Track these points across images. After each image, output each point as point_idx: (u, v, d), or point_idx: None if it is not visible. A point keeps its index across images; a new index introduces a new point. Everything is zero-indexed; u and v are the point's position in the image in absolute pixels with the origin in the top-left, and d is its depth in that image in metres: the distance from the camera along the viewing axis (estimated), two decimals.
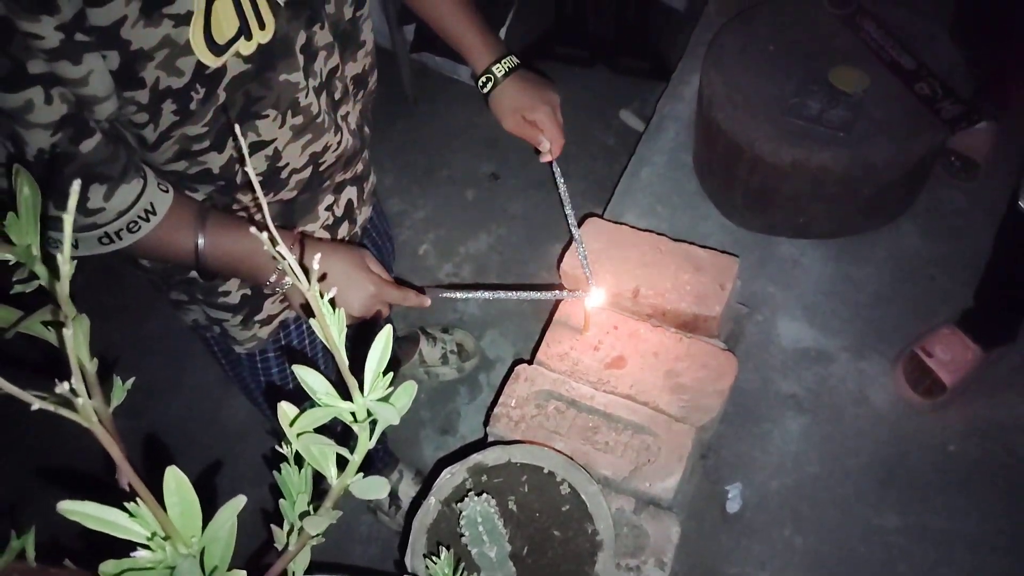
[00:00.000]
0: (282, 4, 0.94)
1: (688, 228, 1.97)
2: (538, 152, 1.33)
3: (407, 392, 0.60)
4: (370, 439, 0.62)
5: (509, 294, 1.25)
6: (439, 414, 2.22)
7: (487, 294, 1.23)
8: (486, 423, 1.34)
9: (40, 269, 0.55)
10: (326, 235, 1.26)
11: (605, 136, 2.76)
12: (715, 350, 1.41)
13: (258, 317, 1.27)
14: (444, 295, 1.20)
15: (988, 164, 1.98)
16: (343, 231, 1.30)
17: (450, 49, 1.34)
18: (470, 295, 1.21)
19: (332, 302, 0.73)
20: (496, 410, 1.35)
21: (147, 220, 0.95)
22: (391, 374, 0.60)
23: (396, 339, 2.16)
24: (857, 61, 1.85)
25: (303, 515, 0.67)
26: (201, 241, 0.99)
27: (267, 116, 1.00)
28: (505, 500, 1.00)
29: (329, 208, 1.24)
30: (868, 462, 1.63)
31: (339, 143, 1.15)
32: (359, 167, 1.28)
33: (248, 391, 1.48)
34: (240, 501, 0.48)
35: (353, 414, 0.60)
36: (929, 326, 1.77)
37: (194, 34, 0.84)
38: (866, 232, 1.94)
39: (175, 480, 0.47)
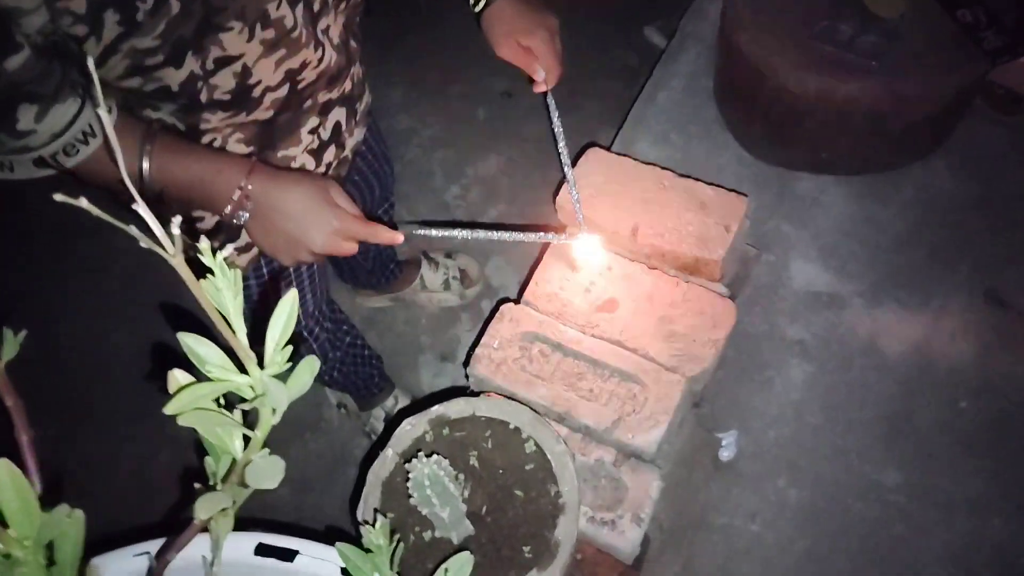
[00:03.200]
0: None
1: (703, 159, 1.86)
2: (532, 81, 1.22)
3: (309, 368, 0.53)
4: (275, 416, 0.56)
5: (490, 234, 1.17)
6: (439, 340, 2.17)
7: (466, 233, 1.15)
8: (466, 364, 1.29)
9: None
10: (311, 160, 1.18)
11: (627, 55, 2.60)
12: (714, 296, 1.33)
13: (236, 244, 1.20)
14: (419, 232, 1.12)
15: None
16: (330, 155, 1.22)
17: None
18: (447, 233, 1.13)
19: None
20: (476, 351, 1.28)
21: (86, 143, 0.88)
22: (290, 347, 0.53)
23: (397, 262, 2.09)
24: None
25: (226, 478, 0.62)
26: (146, 165, 0.91)
27: (231, 28, 0.90)
28: (467, 455, 0.95)
29: (314, 131, 1.15)
30: (873, 416, 1.56)
31: (320, 59, 1.06)
32: (347, 85, 1.18)
33: None
34: (78, 514, 0.42)
35: (252, 388, 0.54)
36: (951, 273, 1.66)
37: None
38: (894, 169, 1.81)
39: (8, 474, 0.41)
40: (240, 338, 0.51)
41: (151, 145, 0.91)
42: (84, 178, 0.95)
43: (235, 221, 0.98)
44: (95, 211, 0.40)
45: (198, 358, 0.52)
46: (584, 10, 2.56)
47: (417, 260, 2.19)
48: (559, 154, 1.26)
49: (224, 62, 0.92)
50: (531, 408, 1.09)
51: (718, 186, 1.41)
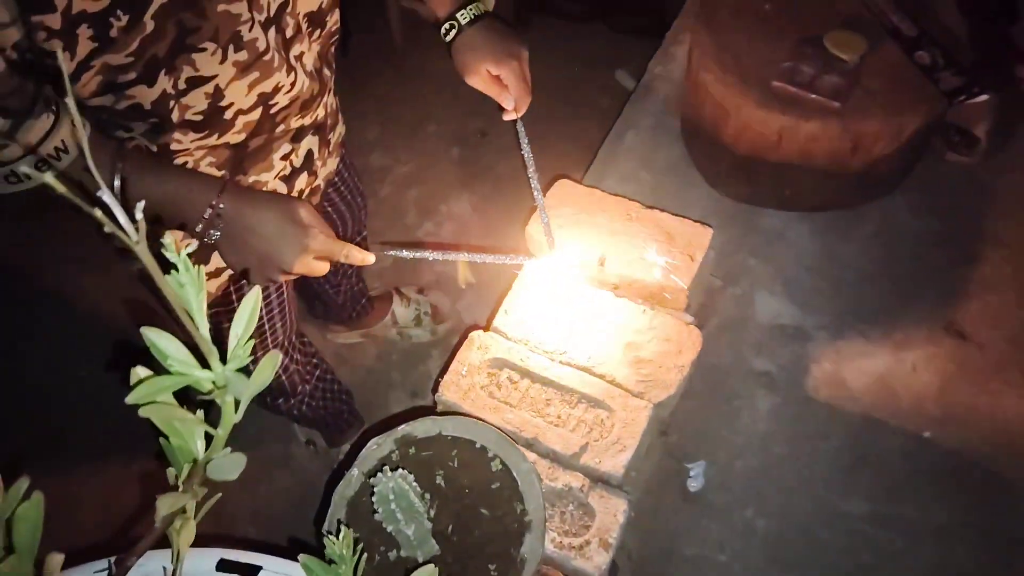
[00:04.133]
0: None
1: (671, 196, 1.89)
2: (502, 109, 1.25)
3: (271, 363, 0.54)
4: (237, 412, 0.57)
5: (459, 255, 1.19)
6: (410, 377, 2.17)
7: (436, 255, 1.17)
8: (434, 390, 1.29)
9: None
10: (282, 186, 1.19)
11: (599, 97, 2.66)
12: (679, 324, 1.35)
13: (207, 269, 1.20)
14: (390, 252, 1.14)
15: (990, 139, 1.89)
16: (302, 183, 1.23)
17: None
18: (418, 254, 1.14)
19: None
20: (445, 377, 1.29)
21: (58, 159, 0.88)
22: (253, 342, 0.54)
23: (368, 297, 2.10)
24: (856, 26, 1.75)
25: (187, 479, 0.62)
26: (117, 183, 0.92)
27: (205, 49, 0.92)
28: (433, 474, 0.95)
29: (286, 157, 1.17)
30: (838, 446, 1.58)
31: (292, 84, 1.07)
32: (320, 113, 1.20)
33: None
34: (37, 497, 0.42)
35: (214, 383, 0.54)
36: (912, 306, 1.71)
37: None
38: (856, 207, 1.86)
39: None
40: (203, 332, 0.52)
41: (123, 163, 0.92)
42: (53, 194, 0.95)
43: (206, 240, 0.99)
44: (60, 188, 0.41)
45: (160, 352, 0.52)
46: (559, 54, 2.63)
47: (388, 295, 2.20)
48: (529, 180, 1.28)
49: (196, 82, 0.94)
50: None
51: (683, 217, 1.45)
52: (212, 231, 0.97)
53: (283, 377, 1.56)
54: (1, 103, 0.82)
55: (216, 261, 1.19)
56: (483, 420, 1.07)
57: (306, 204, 1.03)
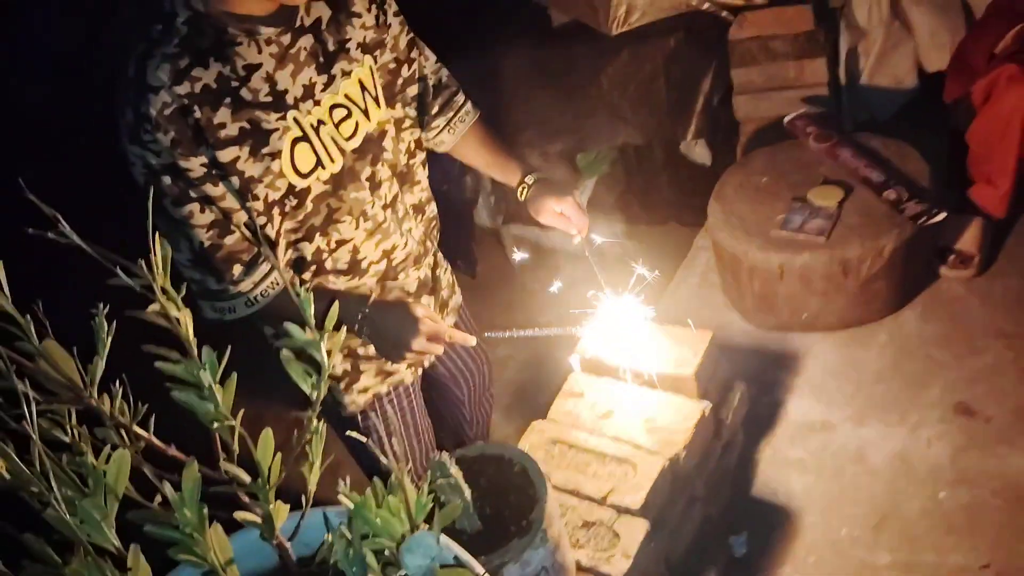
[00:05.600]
0: (348, 152, 1.47)
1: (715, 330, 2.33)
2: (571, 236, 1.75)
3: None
4: None
5: (556, 331, 1.68)
6: None
7: (534, 332, 1.66)
8: None
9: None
10: None
11: None
12: (688, 400, 1.76)
13: (356, 386, 1.70)
14: (491, 335, 1.64)
15: (984, 256, 2.23)
16: None
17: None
18: (516, 334, 1.64)
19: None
20: None
21: (273, 289, 1.45)
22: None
23: None
24: (834, 181, 2.23)
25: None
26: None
27: (344, 221, 1.49)
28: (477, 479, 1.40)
29: None
30: (864, 511, 1.83)
31: (404, 245, 1.61)
32: (426, 271, 1.71)
33: (348, 446, 1.90)
34: None
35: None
36: (925, 395, 2.00)
37: (284, 165, 1.38)
38: (868, 322, 2.21)
39: None
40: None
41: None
42: (271, 311, 1.47)
43: (361, 336, 1.50)
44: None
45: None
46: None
47: None
48: (595, 272, 1.76)
49: (342, 243, 1.51)
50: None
51: (688, 327, 1.90)
52: (364, 328, 1.48)
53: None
54: (238, 256, 1.43)
55: (365, 380, 1.71)
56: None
57: (420, 304, 1.52)
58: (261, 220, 1.40)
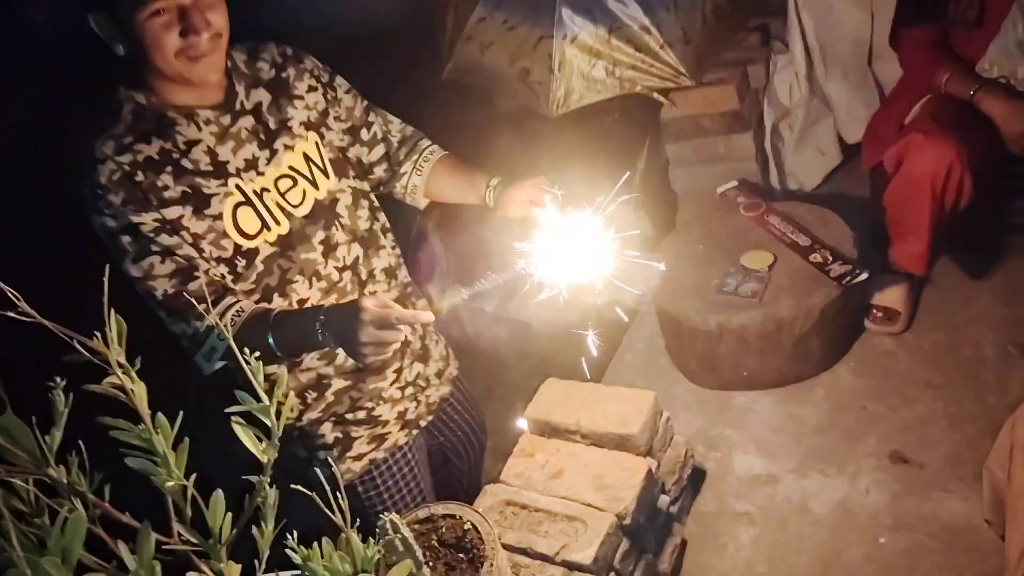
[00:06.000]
0: (297, 216, 1.52)
1: (661, 394, 2.41)
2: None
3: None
4: None
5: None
6: None
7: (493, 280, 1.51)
8: None
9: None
10: (398, 394, 1.70)
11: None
12: (634, 457, 1.83)
13: (350, 454, 1.68)
14: (445, 304, 1.52)
15: (910, 312, 2.37)
16: (414, 396, 1.73)
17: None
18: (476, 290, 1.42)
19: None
20: None
21: (239, 316, 1.44)
22: None
23: None
24: (765, 246, 2.37)
25: None
26: (271, 338, 1.41)
27: (297, 281, 1.54)
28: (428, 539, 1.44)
29: (396, 371, 1.69)
30: (809, 560, 1.90)
31: None
32: (415, 344, 1.74)
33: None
34: None
35: None
36: (861, 445, 2.09)
37: (227, 227, 1.44)
38: (806, 378, 2.32)
39: None
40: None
41: (273, 315, 1.44)
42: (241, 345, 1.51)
43: (325, 342, 1.42)
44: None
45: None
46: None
47: None
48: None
49: (301, 303, 1.54)
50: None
51: (636, 388, 1.98)
52: (326, 334, 1.40)
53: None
54: (203, 297, 1.38)
55: (358, 447, 1.69)
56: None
57: (369, 297, 1.39)
58: (217, 272, 1.45)
